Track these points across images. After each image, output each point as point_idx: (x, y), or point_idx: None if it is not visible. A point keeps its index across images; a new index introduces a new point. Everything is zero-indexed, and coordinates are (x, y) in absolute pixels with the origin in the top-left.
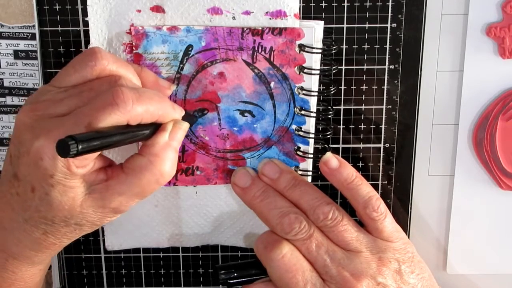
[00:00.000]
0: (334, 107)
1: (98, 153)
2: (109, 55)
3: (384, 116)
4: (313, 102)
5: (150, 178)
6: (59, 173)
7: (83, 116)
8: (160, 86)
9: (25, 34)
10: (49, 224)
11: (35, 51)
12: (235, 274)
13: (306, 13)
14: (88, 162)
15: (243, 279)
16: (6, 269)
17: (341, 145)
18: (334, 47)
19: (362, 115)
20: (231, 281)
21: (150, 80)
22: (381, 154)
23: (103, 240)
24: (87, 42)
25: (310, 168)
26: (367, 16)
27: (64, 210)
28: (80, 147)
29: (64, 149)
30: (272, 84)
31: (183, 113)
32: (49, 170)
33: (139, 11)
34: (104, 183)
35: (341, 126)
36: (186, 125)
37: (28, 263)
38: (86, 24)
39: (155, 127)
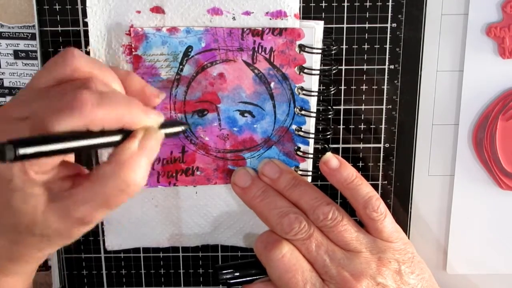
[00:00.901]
0: (334, 107)
1: (58, 159)
2: (85, 57)
3: (384, 116)
4: (313, 102)
5: (113, 187)
6: (16, 178)
7: (39, 120)
8: (148, 93)
9: (25, 34)
10: (16, 232)
11: (35, 51)
12: (235, 274)
13: (306, 13)
14: (48, 169)
15: (243, 279)
16: None
17: (341, 145)
18: (334, 47)
19: (362, 115)
20: (231, 281)
21: (136, 86)
22: (381, 154)
23: (103, 240)
24: (87, 42)
25: (310, 168)
26: (367, 16)
27: (26, 217)
28: (20, 151)
29: (1, 153)
30: (272, 85)
31: (160, 119)
32: (6, 175)
33: (138, 12)
34: (68, 191)
35: (341, 126)
36: (160, 134)
37: (4, 273)
38: (86, 24)
39: (125, 135)
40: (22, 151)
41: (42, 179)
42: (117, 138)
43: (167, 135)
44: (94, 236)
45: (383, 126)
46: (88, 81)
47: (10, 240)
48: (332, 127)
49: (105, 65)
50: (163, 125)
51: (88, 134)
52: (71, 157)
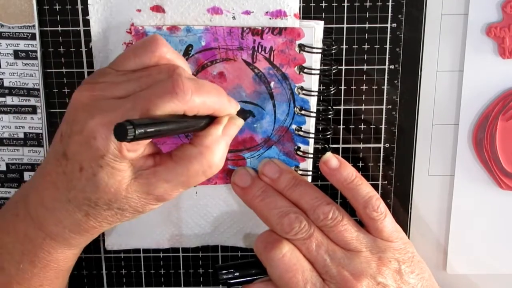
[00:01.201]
0: (334, 107)
1: (154, 138)
2: (168, 45)
3: (384, 116)
4: (313, 102)
5: (198, 169)
6: (110, 154)
7: (141, 101)
8: None
9: (25, 34)
10: (92, 206)
11: (35, 51)
12: (235, 274)
13: (306, 13)
14: (140, 147)
15: (243, 279)
16: (42, 248)
17: (341, 145)
18: (334, 47)
19: (362, 115)
20: (231, 281)
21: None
22: (381, 154)
23: (103, 240)
24: (87, 42)
25: (310, 168)
26: (367, 16)
27: (109, 193)
28: (137, 132)
29: (121, 133)
30: (272, 84)
31: (238, 107)
32: (100, 151)
33: (139, 10)
34: (152, 169)
35: (341, 126)
36: (240, 122)
37: (65, 245)
38: (86, 24)
39: (210, 120)
40: (140, 131)
41: (131, 156)
42: (204, 121)
43: None
44: None
45: (383, 126)
46: (177, 68)
47: (84, 214)
48: (332, 127)
49: (182, 56)
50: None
51: (184, 118)
52: None
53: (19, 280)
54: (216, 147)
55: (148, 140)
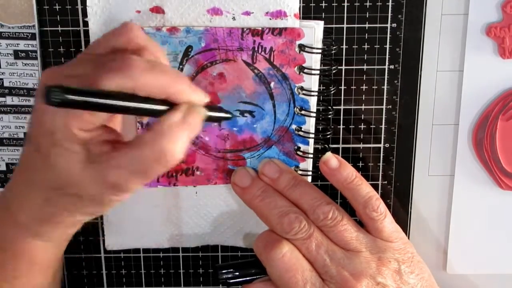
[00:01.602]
0: (334, 107)
1: (100, 119)
2: (141, 32)
3: (384, 116)
4: (313, 102)
5: (149, 155)
6: (59, 131)
7: (88, 77)
8: None
9: (25, 34)
10: (50, 190)
11: (35, 51)
12: (235, 274)
13: (306, 13)
14: (90, 128)
15: (243, 279)
16: (10, 235)
17: (341, 145)
18: (334, 47)
19: (362, 115)
20: (230, 281)
21: None
22: (381, 154)
23: (103, 240)
24: (87, 42)
25: (310, 168)
26: (367, 16)
27: (62, 174)
28: (66, 96)
29: (48, 95)
30: (272, 84)
31: (205, 99)
32: (49, 126)
33: (138, 11)
34: (106, 154)
35: (341, 126)
36: (203, 111)
37: (32, 234)
38: (86, 24)
39: (169, 107)
40: (69, 97)
41: (83, 136)
42: (161, 108)
43: (209, 118)
44: (94, 236)
45: (383, 126)
46: (140, 51)
47: (43, 199)
48: (332, 127)
49: (157, 44)
50: (208, 108)
51: (134, 97)
52: (114, 125)
53: None
54: (173, 134)
55: (99, 120)
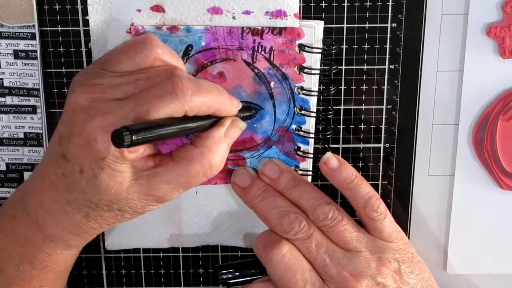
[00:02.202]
0: (334, 107)
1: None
2: (164, 46)
3: (384, 116)
4: (313, 102)
5: (198, 170)
6: (110, 156)
7: (141, 103)
8: None
9: (25, 34)
10: (92, 208)
11: (35, 51)
12: (235, 274)
13: (306, 13)
14: (140, 148)
15: (243, 279)
16: (41, 250)
17: (341, 145)
18: (334, 47)
19: (362, 115)
20: (230, 281)
21: None
22: (381, 154)
23: (103, 240)
24: (87, 42)
25: (310, 168)
26: (367, 16)
27: (110, 194)
28: (134, 138)
29: (118, 139)
30: (272, 84)
31: (240, 106)
32: (101, 153)
33: (139, 10)
34: (152, 169)
35: (341, 126)
36: (243, 125)
37: (64, 246)
38: (86, 24)
39: (212, 121)
40: (137, 137)
41: (132, 157)
42: (206, 123)
43: (244, 119)
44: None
45: (383, 126)
46: (175, 69)
47: (84, 216)
48: (332, 127)
49: (177, 54)
50: (240, 111)
51: (183, 119)
52: None
53: (18, 282)
54: (218, 148)
55: None
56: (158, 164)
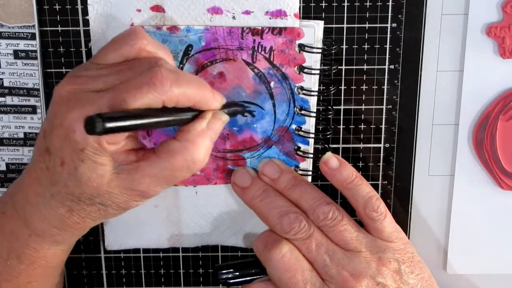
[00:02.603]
0: (334, 107)
1: (129, 131)
2: (149, 38)
3: (384, 116)
4: (313, 102)
5: (182, 163)
6: (89, 147)
7: (118, 93)
8: None
9: (25, 34)
10: (74, 201)
11: (35, 51)
12: (235, 274)
13: (306, 13)
14: (119, 140)
15: (243, 279)
16: (28, 245)
17: (341, 145)
18: (334, 47)
19: (362, 115)
20: (230, 281)
21: None
22: (381, 154)
23: (103, 240)
24: (87, 42)
25: (310, 168)
26: (367, 16)
27: (91, 187)
28: (107, 125)
29: (91, 126)
30: (272, 84)
31: (223, 101)
32: (80, 144)
33: (139, 10)
34: (134, 163)
35: (341, 126)
36: (225, 117)
37: (51, 241)
38: (86, 24)
39: (194, 115)
40: (109, 124)
41: (111, 149)
42: (187, 116)
43: (229, 115)
44: (94, 236)
45: (383, 126)
46: (159, 60)
47: (68, 210)
48: (332, 127)
49: (164, 46)
50: (224, 106)
51: (163, 110)
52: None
53: (6, 277)
54: (201, 141)
55: (126, 133)
56: (141, 158)
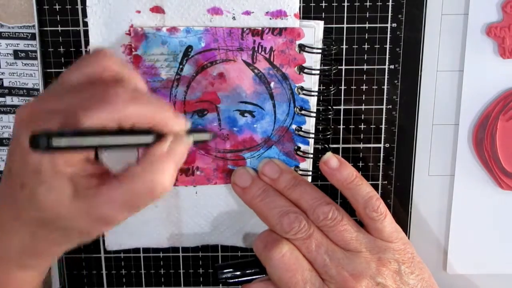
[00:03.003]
0: (334, 107)
1: (86, 152)
2: (116, 58)
3: (384, 116)
4: (313, 102)
5: (141, 188)
6: (45, 169)
7: (71, 113)
8: None
9: (25, 34)
10: (36, 225)
11: (35, 51)
12: (235, 274)
13: (306, 13)
14: (75, 161)
15: (243, 279)
16: None
17: (341, 145)
18: (334, 47)
19: (362, 115)
20: (230, 281)
21: None
22: (381, 154)
23: (103, 240)
24: (87, 42)
25: (310, 168)
26: (367, 16)
27: (49, 210)
28: (52, 143)
29: (35, 142)
30: (272, 84)
31: (188, 125)
32: (35, 165)
33: (138, 12)
34: (94, 188)
35: (341, 126)
36: (188, 140)
37: (17, 266)
38: (86, 24)
39: (156, 138)
40: (56, 142)
41: (69, 171)
42: (147, 140)
43: (195, 142)
44: None
45: (383, 126)
46: (120, 81)
47: (31, 234)
48: (332, 127)
49: (133, 69)
50: (190, 131)
51: (119, 131)
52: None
53: None
54: (161, 165)
55: (81, 154)
56: (101, 183)
